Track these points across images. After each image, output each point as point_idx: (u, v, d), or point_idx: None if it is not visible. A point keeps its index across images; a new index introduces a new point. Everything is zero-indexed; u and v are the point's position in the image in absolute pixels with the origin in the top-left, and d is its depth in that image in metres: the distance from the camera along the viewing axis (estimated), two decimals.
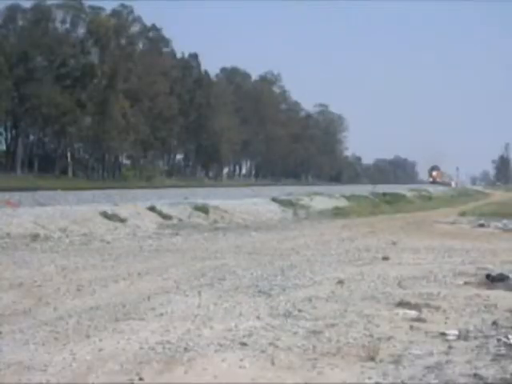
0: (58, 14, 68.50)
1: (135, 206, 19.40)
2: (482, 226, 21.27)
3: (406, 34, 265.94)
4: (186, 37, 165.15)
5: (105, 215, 17.13)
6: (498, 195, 70.31)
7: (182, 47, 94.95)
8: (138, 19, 72.10)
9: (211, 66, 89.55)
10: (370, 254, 12.70)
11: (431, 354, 5.46)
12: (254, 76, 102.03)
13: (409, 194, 47.38)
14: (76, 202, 19.90)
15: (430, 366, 5.11)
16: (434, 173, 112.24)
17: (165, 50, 77.56)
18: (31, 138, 70.17)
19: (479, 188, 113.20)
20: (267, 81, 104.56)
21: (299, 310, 7.07)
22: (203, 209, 21.42)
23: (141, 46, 75.00)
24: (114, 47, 65.34)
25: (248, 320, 6.56)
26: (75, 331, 6.03)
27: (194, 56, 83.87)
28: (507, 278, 9.03)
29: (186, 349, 5.47)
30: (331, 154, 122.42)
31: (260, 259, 11.52)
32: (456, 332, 6.17)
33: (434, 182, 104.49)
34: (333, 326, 6.38)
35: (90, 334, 5.94)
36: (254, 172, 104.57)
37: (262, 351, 5.46)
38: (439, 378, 4.83)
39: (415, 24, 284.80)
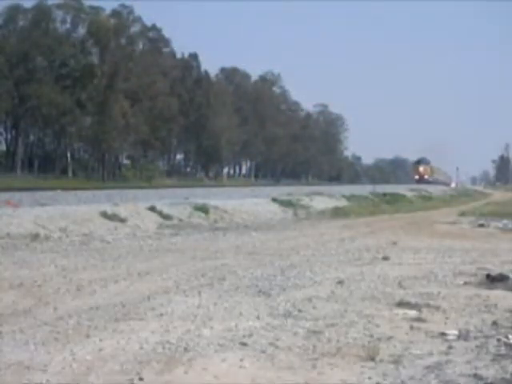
0: (59, 15, 68.60)
1: (135, 205, 19.38)
2: (482, 226, 21.26)
3: (407, 34, 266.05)
4: (186, 37, 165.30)
5: (105, 215, 17.12)
6: (498, 195, 70.30)
7: (181, 47, 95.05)
8: (137, 19, 72.16)
9: (211, 65, 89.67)
10: (370, 253, 12.70)
11: (431, 353, 5.47)
12: (254, 76, 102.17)
13: (409, 194, 47.36)
14: (76, 202, 19.90)
15: (430, 365, 5.11)
16: (421, 168, 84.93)
17: (165, 50, 77.60)
18: (31, 138, 70.21)
19: (479, 188, 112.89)
20: (267, 81, 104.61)
21: (299, 310, 7.07)
22: (203, 209, 21.41)
23: (141, 46, 75.06)
24: (114, 47, 65.38)
25: (248, 320, 6.57)
26: (75, 331, 6.03)
27: (194, 56, 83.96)
28: (507, 277, 9.03)
29: (185, 349, 5.47)
30: (331, 154, 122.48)
31: (260, 259, 11.52)
32: (456, 332, 6.17)
33: (421, 181, 78.18)
34: (333, 325, 6.38)
35: (90, 333, 5.94)
36: (253, 172, 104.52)
37: (262, 351, 5.46)
38: (439, 377, 4.83)
39: (415, 23, 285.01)
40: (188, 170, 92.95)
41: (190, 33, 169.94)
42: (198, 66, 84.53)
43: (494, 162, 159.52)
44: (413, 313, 7.04)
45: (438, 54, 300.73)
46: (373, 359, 5.24)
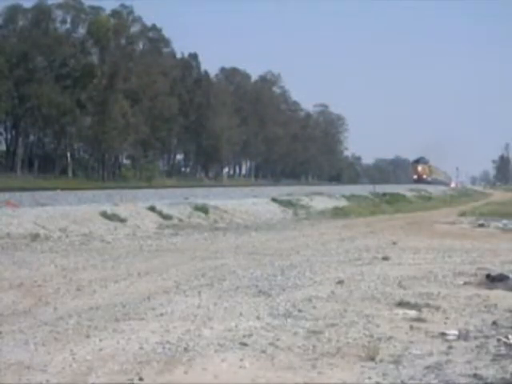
0: (59, 15, 68.57)
1: (135, 206, 19.39)
2: (481, 226, 21.27)
3: (406, 34, 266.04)
4: (186, 37, 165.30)
5: (105, 215, 17.13)
6: (498, 195, 70.31)
7: (181, 47, 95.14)
8: (138, 19, 72.09)
9: (211, 66, 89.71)
10: (370, 254, 12.70)
11: (431, 353, 5.47)
12: (254, 76, 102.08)
13: (409, 194, 47.38)
14: (76, 202, 19.89)
15: (429, 365, 5.11)
16: (420, 167, 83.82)
17: (165, 50, 77.56)
18: (31, 137, 70.14)
19: (479, 188, 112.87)
20: (267, 81, 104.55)
21: (299, 310, 7.07)
22: (203, 209, 21.42)
23: (141, 46, 75.00)
24: (114, 47, 65.34)
25: (248, 320, 6.57)
26: (75, 331, 6.03)
27: (194, 56, 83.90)
28: (507, 278, 9.04)
29: (185, 349, 5.47)
30: (331, 154, 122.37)
31: (260, 259, 11.53)
32: (456, 332, 6.17)
33: (419, 180, 77.02)
34: (333, 325, 6.38)
35: (90, 334, 5.94)
36: (254, 172, 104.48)
37: (262, 351, 5.46)
38: (439, 378, 4.83)
39: (415, 24, 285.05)
40: (188, 170, 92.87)
41: (190, 33, 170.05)
42: (198, 66, 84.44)
43: (494, 162, 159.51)
44: (413, 313, 7.04)
45: (437, 54, 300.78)
46: (373, 359, 5.24)
